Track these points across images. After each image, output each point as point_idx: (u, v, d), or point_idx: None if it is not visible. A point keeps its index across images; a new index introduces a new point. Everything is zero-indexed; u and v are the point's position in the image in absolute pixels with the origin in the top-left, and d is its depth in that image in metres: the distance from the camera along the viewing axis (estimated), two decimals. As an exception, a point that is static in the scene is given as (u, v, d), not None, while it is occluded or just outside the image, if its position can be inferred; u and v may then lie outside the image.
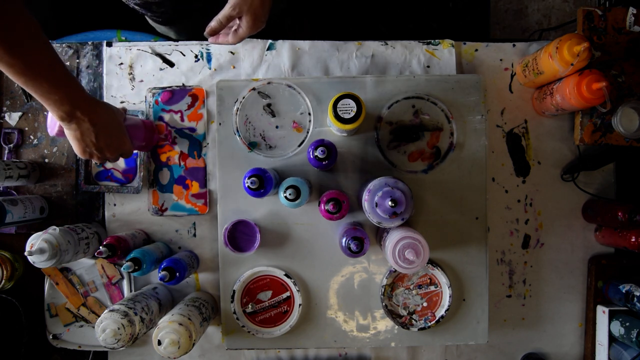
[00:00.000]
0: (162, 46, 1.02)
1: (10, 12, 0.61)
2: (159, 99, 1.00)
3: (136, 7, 0.99)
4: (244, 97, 0.95)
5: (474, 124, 0.95)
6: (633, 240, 0.91)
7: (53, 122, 0.86)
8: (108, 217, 1.01)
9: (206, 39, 1.02)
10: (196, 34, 1.02)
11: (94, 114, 0.74)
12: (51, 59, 0.68)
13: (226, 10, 0.79)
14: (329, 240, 0.95)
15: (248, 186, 0.82)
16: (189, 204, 1.00)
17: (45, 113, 1.02)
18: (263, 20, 0.81)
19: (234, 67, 1.02)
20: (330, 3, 1.62)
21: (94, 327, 0.95)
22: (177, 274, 0.88)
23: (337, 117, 0.82)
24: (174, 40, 1.04)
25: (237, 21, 0.82)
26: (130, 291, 1.00)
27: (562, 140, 1.02)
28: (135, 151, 0.97)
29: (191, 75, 1.01)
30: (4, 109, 1.02)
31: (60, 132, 0.82)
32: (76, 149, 0.77)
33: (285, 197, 0.82)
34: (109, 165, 1.00)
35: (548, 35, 1.70)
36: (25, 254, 0.81)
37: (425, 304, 0.95)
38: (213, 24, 0.81)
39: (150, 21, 1.11)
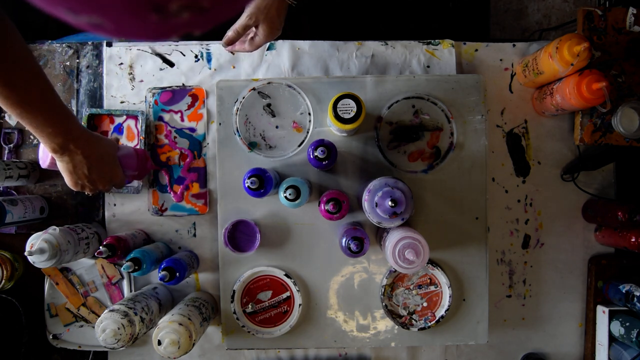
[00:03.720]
0: (162, 46, 1.02)
1: (7, 46, 0.60)
2: (159, 99, 1.00)
3: None
4: (244, 97, 0.95)
5: (474, 124, 0.95)
6: (633, 240, 0.91)
7: (45, 154, 0.86)
8: (108, 217, 1.01)
9: (206, 40, 1.02)
10: (201, 38, 1.02)
11: (87, 146, 0.74)
12: (47, 92, 0.67)
13: (243, 19, 0.80)
14: (329, 240, 0.95)
15: (248, 186, 0.82)
16: (189, 204, 1.00)
17: (37, 142, 1.02)
18: (279, 28, 0.82)
19: (234, 67, 1.02)
20: (330, 3, 1.62)
21: (94, 327, 0.95)
22: (177, 274, 0.88)
23: (337, 117, 0.82)
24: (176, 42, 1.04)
25: (254, 29, 0.82)
26: (130, 291, 1.00)
27: (562, 140, 1.02)
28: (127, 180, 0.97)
29: (191, 75, 1.01)
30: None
31: (53, 164, 0.81)
32: (68, 181, 0.77)
33: (285, 197, 0.82)
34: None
35: (548, 35, 1.70)
36: (25, 254, 0.81)
37: (425, 304, 0.95)
38: (230, 34, 0.81)
39: None
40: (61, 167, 0.75)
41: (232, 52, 1.01)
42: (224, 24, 0.82)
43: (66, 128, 0.71)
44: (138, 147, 0.98)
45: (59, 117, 0.69)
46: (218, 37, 1.00)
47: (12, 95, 0.63)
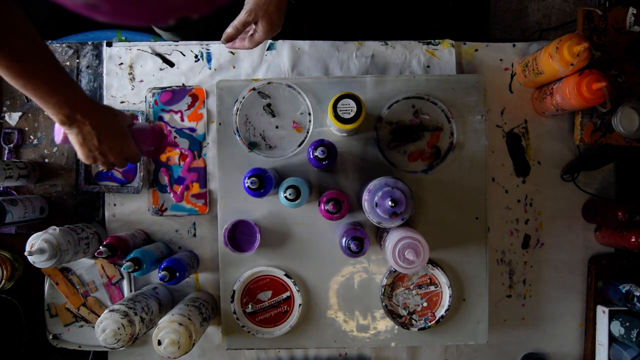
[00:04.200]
0: (162, 46, 1.02)
1: (5, 14, 0.60)
2: (159, 99, 1.00)
3: None
4: (244, 97, 0.95)
5: (474, 124, 0.95)
6: (633, 240, 0.91)
7: (58, 129, 0.86)
8: (108, 217, 1.01)
9: (206, 40, 1.02)
10: (201, 37, 1.02)
11: (95, 117, 0.74)
12: (49, 62, 0.67)
13: (242, 16, 0.79)
14: (329, 240, 0.95)
15: (248, 186, 0.82)
16: (189, 204, 1.00)
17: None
18: (279, 25, 0.81)
19: (234, 67, 1.02)
20: (330, 3, 1.62)
21: (94, 327, 0.95)
22: (177, 274, 0.88)
23: (337, 117, 0.82)
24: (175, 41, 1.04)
25: (253, 26, 0.82)
26: (130, 291, 1.00)
27: (562, 140, 1.02)
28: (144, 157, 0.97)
29: (191, 75, 1.01)
30: (4, 109, 1.02)
31: (65, 139, 0.81)
32: (80, 154, 0.77)
33: (285, 197, 0.82)
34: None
35: (548, 35, 1.70)
36: (25, 254, 0.81)
37: (425, 304, 0.95)
38: (229, 30, 0.81)
39: (155, 28, 1.11)
40: (72, 140, 0.75)
41: (231, 52, 1.01)
42: (214, 23, 0.81)
43: (71, 97, 0.70)
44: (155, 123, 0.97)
45: (63, 86, 0.69)
46: (218, 37, 1.01)
47: (13, 65, 0.63)
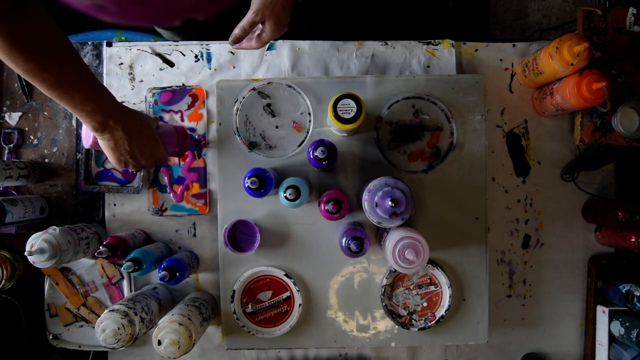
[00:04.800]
0: (162, 46, 1.02)
1: (40, 26, 0.61)
2: (159, 99, 1.00)
3: None
4: (244, 97, 0.95)
5: (474, 124, 0.95)
6: (633, 240, 0.91)
7: (87, 134, 0.86)
8: (108, 217, 1.01)
9: (206, 40, 1.02)
10: (203, 38, 1.02)
11: (126, 122, 0.75)
12: (82, 71, 0.68)
13: (249, 16, 0.79)
14: (329, 240, 0.95)
15: (248, 186, 0.82)
16: (189, 204, 1.00)
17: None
18: (285, 24, 0.81)
19: (234, 67, 1.02)
20: (330, 3, 1.62)
21: (94, 327, 0.95)
22: (177, 274, 0.88)
23: (337, 117, 0.82)
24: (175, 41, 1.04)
25: (260, 26, 0.82)
26: (130, 291, 1.00)
27: (562, 140, 1.02)
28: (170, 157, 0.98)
29: (191, 75, 1.01)
30: (4, 109, 1.02)
31: (95, 144, 0.82)
32: (111, 158, 0.77)
33: (285, 197, 0.82)
34: (108, 165, 1.00)
35: (548, 35, 1.70)
36: (25, 254, 0.81)
37: (425, 304, 0.95)
38: (237, 31, 0.81)
39: (156, 27, 1.11)
40: (103, 145, 0.76)
41: (232, 52, 1.01)
42: (217, 23, 0.81)
43: (104, 104, 0.71)
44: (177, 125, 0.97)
45: (95, 94, 0.70)
46: (219, 36, 1.01)
47: (50, 77, 0.64)
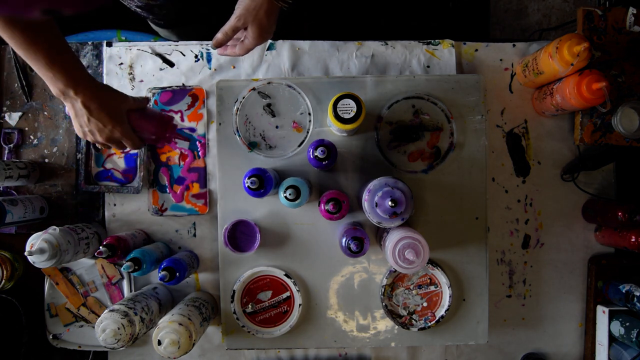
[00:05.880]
0: (162, 46, 1.02)
1: None
2: (159, 99, 1.00)
3: (138, 9, 0.99)
4: (244, 97, 0.95)
5: (474, 124, 0.95)
6: (633, 240, 0.91)
7: None
8: (108, 217, 1.01)
9: (204, 39, 1.02)
10: (199, 38, 1.02)
11: (88, 96, 0.75)
12: (52, 37, 0.69)
13: (231, 21, 0.79)
14: (329, 240, 0.95)
15: (248, 186, 0.82)
16: (189, 204, 1.00)
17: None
18: (270, 32, 0.81)
19: (234, 67, 1.02)
20: (330, 3, 1.62)
21: (94, 327, 0.95)
22: (177, 274, 0.88)
23: (337, 117, 0.82)
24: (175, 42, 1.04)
25: (244, 31, 0.82)
26: (130, 291, 1.00)
27: (562, 140, 1.02)
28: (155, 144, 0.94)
29: (191, 75, 1.01)
30: (4, 109, 1.02)
31: None
32: (75, 126, 0.79)
33: (285, 197, 0.82)
34: (108, 165, 1.00)
35: (548, 35, 1.70)
36: (25, 254, 0.81)
37: (425, 304, 0.95)
38: (219, 35, 0.81)
39: (152, 25, 1.11)
40: (68, 111, 0.79)
41: (223, 54, 1.01)
42: (212, 22, 0.80)
43: (68, 74, 0.72)
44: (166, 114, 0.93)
45: (61, 63, 0.71)
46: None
47: (17, 34, 0.66)
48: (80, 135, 0.80)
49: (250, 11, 0.77)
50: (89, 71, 1.02)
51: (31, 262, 0.83)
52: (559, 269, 1.02)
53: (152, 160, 1.00)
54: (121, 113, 0.80)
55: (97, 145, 0.82)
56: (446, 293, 0.94)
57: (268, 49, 1.02)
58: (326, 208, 0.84)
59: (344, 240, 0.86)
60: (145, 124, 0.84)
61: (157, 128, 0.85)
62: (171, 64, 1.02)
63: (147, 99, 0.86)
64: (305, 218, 0.95)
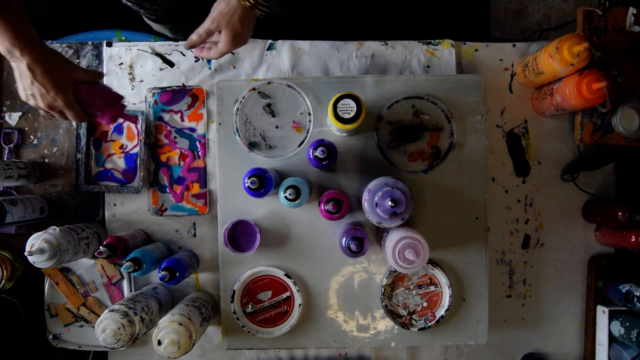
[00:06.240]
0: (162, 46, 1.02)
1: None
2: (159, 99, 1.00)
3: (129, 3, 0.99)
4: (244, 97, 0.95)
5: (474, 124, 0.95)
6: (633, 240, 0.91)
7: None
8: (108, 217, 1.01)
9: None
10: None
11: (33, 59, 0.74)
12: None
13: (205, 24, 0.80)
14: (329, 240, 0.95)
15: (248, 186, 0.82)
16: (189, 204, 1.00)
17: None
18: (244, 37, 0.82)
19: (234, 67, 1.02)
20: (330, 3, 1.62)
21: (94, 327, 0.95)
22: (177, 274, 0.88)
23: (337, 117, 0.82)
24: (171, 39, 1.04)
25: (219, 35, 0.82)
26: (130, 291, 1.00)
27: (562, 140, 1.02)
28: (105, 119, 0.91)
29: (191, 75, 1.01)
30: (4, 109, 1.02)
31: None
32: (18, 88, 0.78)
33: (285, 197, 0.82)
34: (108, 165, 1.00)
35: (548, 35, 1.70)
36: (25, 254, 0.81)
37: (425, 304, 0.95)
38: (193, 37, 0.82)
39: (145, 19, 1.11)
40: (14, 71, 0.77)
41: (232, 52, 1.01)
42: (203, 20, 0.80)
43: (16, 34, 0.72)
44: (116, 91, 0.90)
45: (11, 22, 0.71)
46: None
47: None
48: (23, 97, 0.79)
49: (223, 15, 0.78)
50: (89, 71, 1.02)
51: (31, 262, 0.83)
52: (559, 269, 1.02)
53: (152, 160, 1.00)
54: (66, 81, 0.79)
55: (40, 112, 0.81)
56: (446, 293, 0.94)
57: (268, 49, 1.02)
58: (326, 208, 0.84)
59: (344, 240, 0.86)
60: (92, 98, 0.82)
61: (104, 104, 0.83)
62: (171, 64, 1.02)
63: (100, 74, 0.85)
64: (305, 218, 0.95)
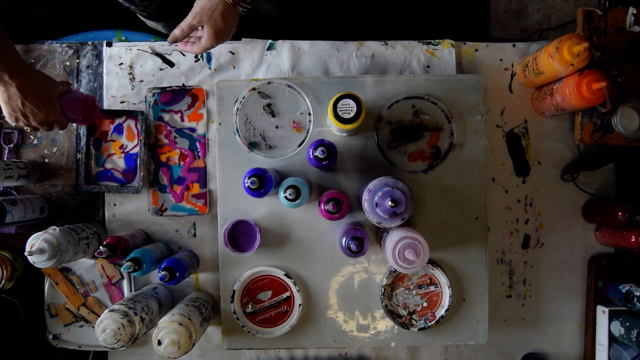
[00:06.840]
0: (162, 46, 1.02)
1: None
2: (159, 99, 1.00)
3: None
4: (244, 97, 0.95)
5: (474, 124, 0.95)
6: (633, 240, 0.91)
7: None
8: (108, 217, 1.01)
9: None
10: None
11: (23, 81, 0.77)
12: None
13: (188, 18, 0.80)
14: (329, 240, 0.95)
15: (248, 186, 0.82)
16: (189, 204, 1.00)
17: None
18: (226, 33, 0.82)
19: (234, 67, 1.02)
20: (329, 3, 1.62)
21: (94, 327, 0.95)
22: (177, 274, 0.88)
23: (337, 117, 0.82)
24: (166, 36, 1.04)
25: (202, 30, 0.82)
26: (130, 291, 1.00)
27: (562, 140, 1.02)
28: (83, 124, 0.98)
29: (191, 75, 1.01)
30: (4, 109, 1.02)
31: None
32: (4, 111, 0.81)
33: (285, 197, 0.82)
34: (108, 165, 1.00)
35: (548, 35, 1.70)
36: (25, 254, 0.81)
37: (425, 304, 0.95)
38: (176, 31, 0.82)
39: (139, 16, 1.11)
40: None
41: (231, 52, 1.01)
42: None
43: (3, 60, 0.74)
44: (88, 93, 0.99)
45: None
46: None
47: None
48: (11, 119, 0.82)
49: (205, 10, 0.78)
50: (89, 71, 1.02)
51: (31, 262, 0.83)
52: (559, 269, 1.02)
53: (152, 160, 1.00)
54: (53, 98, 0.84)
55: (25, 128, 0.85)
56: (446, 293, 0.94)
57: (268, 49, 1.02)
58: (326, 208, 0.84)
59: (344, 240, 0.86)
60: (72, 106, 0.89)
61: (83, 109, 0.91)
62: (171, 64, 1.02)
63: (68, 83, 0.91)
64: (305, 218, 0.95)
